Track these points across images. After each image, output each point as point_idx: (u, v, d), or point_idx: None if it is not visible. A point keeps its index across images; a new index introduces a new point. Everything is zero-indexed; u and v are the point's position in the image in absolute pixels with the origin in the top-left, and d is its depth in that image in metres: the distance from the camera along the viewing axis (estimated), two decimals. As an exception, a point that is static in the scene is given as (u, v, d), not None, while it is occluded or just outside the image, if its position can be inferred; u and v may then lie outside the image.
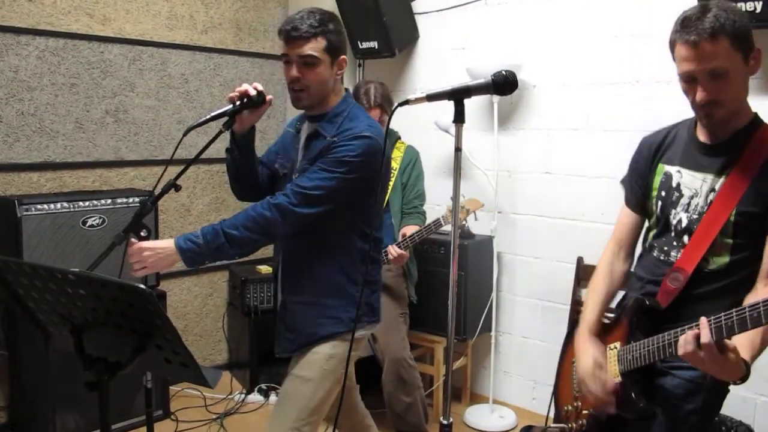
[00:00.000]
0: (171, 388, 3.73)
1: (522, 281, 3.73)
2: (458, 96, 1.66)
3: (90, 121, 3.61)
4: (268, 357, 3.92)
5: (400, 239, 3.30)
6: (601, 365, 1.89)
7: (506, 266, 3.77)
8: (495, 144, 3.63)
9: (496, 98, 3.54)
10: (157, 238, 3.47)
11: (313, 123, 2.24)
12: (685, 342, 1.56)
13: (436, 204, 3.85)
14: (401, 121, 3.44)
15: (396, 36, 3.82)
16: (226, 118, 2.13)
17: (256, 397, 3.87)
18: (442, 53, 3.95)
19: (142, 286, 1.45)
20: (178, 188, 2.10)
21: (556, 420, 2.13)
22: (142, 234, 2.10)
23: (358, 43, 3.92)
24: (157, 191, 2.09)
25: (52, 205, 3.14)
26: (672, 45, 1.75)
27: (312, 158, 2.17)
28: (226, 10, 4.15)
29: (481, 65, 3.49)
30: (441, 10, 3.90)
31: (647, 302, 1.85)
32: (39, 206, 3.10)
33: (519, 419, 3.65)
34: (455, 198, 1.67)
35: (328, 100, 2.22)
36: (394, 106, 1.71)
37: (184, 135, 2.04)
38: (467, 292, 3.56)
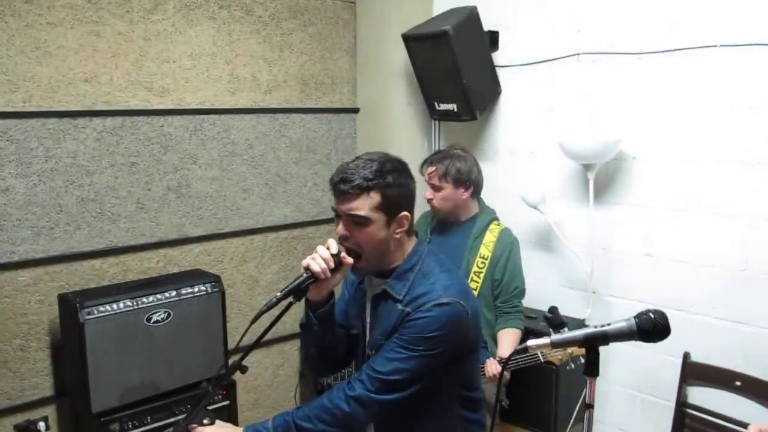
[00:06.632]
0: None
1: (618, 371, 3.38)
2: (593, 344, 1.36)
3: (151, 199, 3.42)
4: None
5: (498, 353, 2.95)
6: None
7: (601, 352, 3.43)
8: (590, 218, 3.27)
9: (591, 174, 3.17)
10: (224, 312, 3.28)
11: (379, 278, 1.96)
12: None
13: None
14: (483, 191, 3.15)
15: (476, 98, 3.43)
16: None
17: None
18: (526, 113, 3.57)
19: None
20: (244, 370, 1.86)
21: None
22: (205, 422, 1.89)
23: (435, 104, 3.56)
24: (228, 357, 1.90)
25: (114, 305, 2.99)
26: None
27: (386, 332, 1.89)
28: (291, 66, 3.85)
29: (577, 140, 3.12)
30: (526, 64, 3.51)
31: None
32: (101, 308, 2.95)
33: None
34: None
35: (391, 257, 1.92)
36: (512, 349, 1.42)
37: (254, 321, 1.77)
38: (558, 383, 3.26)
